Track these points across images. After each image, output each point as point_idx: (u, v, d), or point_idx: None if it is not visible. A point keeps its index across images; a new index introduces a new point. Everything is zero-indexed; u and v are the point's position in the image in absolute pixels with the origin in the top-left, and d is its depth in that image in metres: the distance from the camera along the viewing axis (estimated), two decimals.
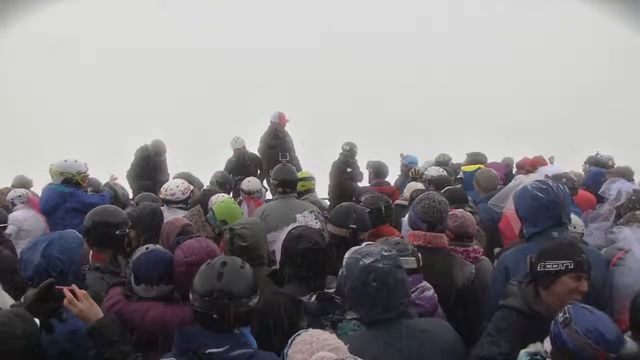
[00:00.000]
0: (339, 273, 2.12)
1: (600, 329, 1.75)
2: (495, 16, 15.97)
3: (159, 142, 7.15)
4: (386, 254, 2.03)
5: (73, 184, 4.75)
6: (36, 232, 4.77)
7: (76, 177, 4.75)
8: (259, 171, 7.25)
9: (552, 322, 1.88)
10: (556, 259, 2.11)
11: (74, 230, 2.71)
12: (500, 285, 2.55)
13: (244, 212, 4.72)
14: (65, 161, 4.77)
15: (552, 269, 2.11)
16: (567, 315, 1.82)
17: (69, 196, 4.67)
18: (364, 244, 2.45)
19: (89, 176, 5.06)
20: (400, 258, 2.28)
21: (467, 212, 3.47)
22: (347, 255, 2.13)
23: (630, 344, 1.81)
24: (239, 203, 4.90)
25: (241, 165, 7.16)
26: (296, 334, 1.73)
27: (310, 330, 1.73)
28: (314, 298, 2.39)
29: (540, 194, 2.60)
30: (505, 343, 2.13)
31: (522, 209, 2.72)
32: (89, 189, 5.04)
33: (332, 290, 2.46)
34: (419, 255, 2.53)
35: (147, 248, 2.56)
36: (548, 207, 2.57)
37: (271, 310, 2.36)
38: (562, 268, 2.10)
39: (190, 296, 1.95)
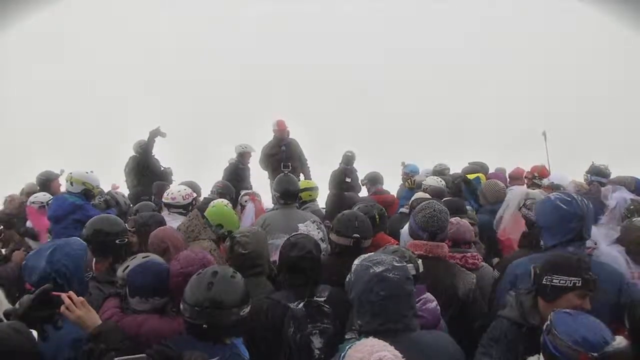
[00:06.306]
0: (347, 279, 2.11)
1: (579, 331, 1.74)
2: (495, 16, 15.95)
3: (138, 141, 7.02)
4: (397, 264, 1.99)
5: (88, 196, 4.79)
6: None
7: (94, 190, 4.82)
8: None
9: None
10: (564, 274, 2.05)
11: (78, 238, 2.70)
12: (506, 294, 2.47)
13: (250, 210, 4.73)
14: (87, 172, 4.79)
15: (558, 284, 2.05)
16: (549, 322, 1.82)
17: (78, 208, 4.65)
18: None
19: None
20: None
21: (463, 220, 3.47)
22: (356, 262, 2.08)
23: (617, 340, 1.75)
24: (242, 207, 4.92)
25: (241, 172, 7.02)
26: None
27: (370, 338, 1.72)
28: (301, 305, 2.41)
29: (563, 206, 2.47)
30: (497, 353, 2.11)
31: (543, 219, 2.60)
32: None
33: (322, 299, 2.47)
34: (419, 262, 2.51)
35: (144, 257, 2.57)
36: (569, 219, 2.45)
37: (256, 314, 2.39)
38: (569, 284, 2.04)
39: (181, 306, 1.95)
